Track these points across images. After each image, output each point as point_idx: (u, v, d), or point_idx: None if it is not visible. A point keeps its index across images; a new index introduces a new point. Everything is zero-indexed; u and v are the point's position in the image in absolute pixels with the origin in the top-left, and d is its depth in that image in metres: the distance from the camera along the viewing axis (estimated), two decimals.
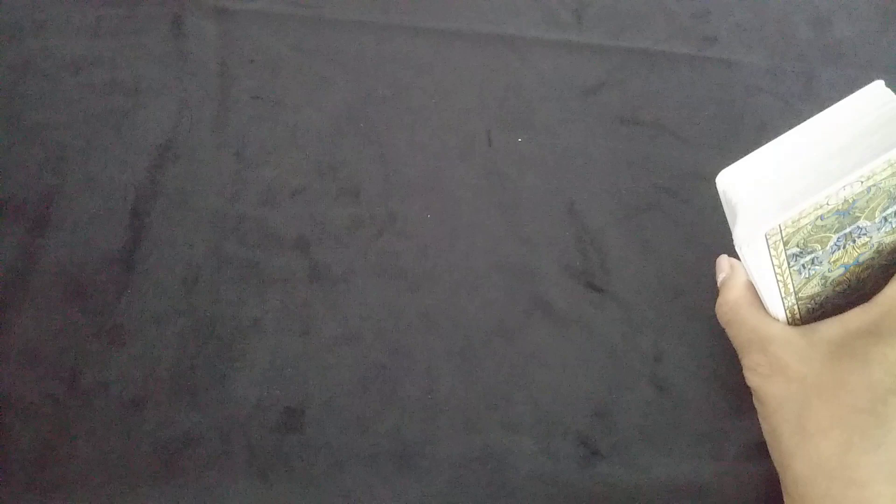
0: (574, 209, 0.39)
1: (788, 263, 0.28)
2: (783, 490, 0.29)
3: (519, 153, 0.40)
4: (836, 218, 0.27)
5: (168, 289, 0.35)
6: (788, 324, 0.30)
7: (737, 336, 0.31)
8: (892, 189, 0.27)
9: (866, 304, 0.28)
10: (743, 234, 0.28)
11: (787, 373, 0.28)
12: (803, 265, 0.29)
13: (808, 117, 0.29)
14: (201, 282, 0.35)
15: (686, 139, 0.41)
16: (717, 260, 0.34)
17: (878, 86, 0.29)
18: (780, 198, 0.28)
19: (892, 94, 0.29)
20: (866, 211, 0.28)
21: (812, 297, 0.30)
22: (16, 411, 0.33)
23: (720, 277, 0.33)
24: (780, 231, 0.27)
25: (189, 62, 0.40)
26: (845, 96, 0.29)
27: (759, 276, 0.29)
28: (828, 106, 0.29)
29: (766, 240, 0.27)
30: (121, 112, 0.39)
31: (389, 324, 0.35)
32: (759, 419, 0.30)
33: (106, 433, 0.32)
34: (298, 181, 0.38)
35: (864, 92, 0.29)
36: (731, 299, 0.31)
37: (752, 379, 0.30)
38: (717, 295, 0.33)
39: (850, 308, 0.28)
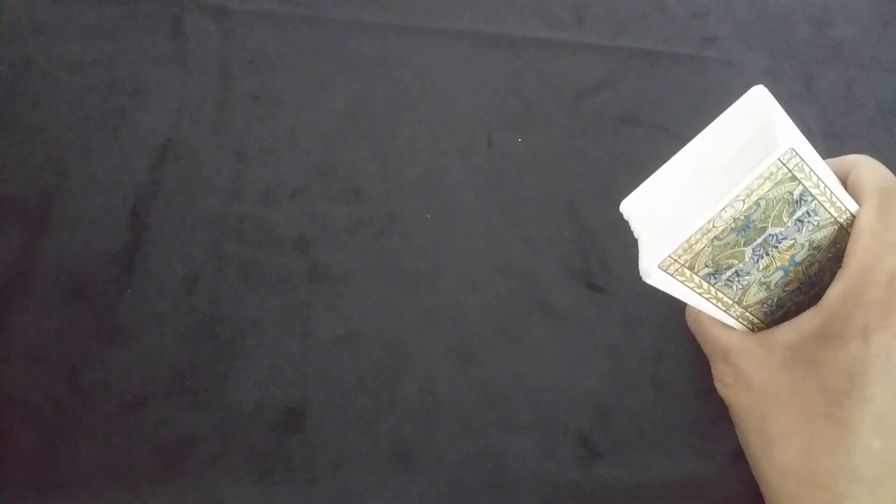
0: (574, 209, 0.39)
1: (709, 282, 0.27)
2: (763, 494, 0.30)
3: (519, 153, 0.40)
4: (737, 234, 0.26)
5: (168, 289, 0.35)
6: (751, 330, 0.30)
7: (703, 346, 0.32)
8: (786, 195, 0.26)
9: (815, 306, 0.28)
10: (643, 266, 0.27)
11: (747, 382, 0.29)
12: (728, 280, 0.28)
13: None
14: (201, 282, 0.35)
15: (686, 139, 0.40)
16: None
17: (759, 91, 0.27)
18: (673, 226, 0.27)
19: (772, 99, 0.27)
20: (769, 220, 0.26)
21: (762, 302, 0.29)
22: (16, 411, 0.33)
23: None
24: (676, 260, 0.26)
25: (189, 62, 0.40)
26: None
27: (687, 300, 0.28)
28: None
29: (664, 271, 0.26)
30: (121, 112, 0.39)
31: (389, 324, 0.35)
32: (734, 427, 0.31)
33: (106, 433, 0.32)
34: (298, 181, 0.38)
35: (747, 98, 0.27)
36: (694, 308, 0.31)
37: (720, 389, 0.31)
38: None
39: (813, 303, 0.28)
